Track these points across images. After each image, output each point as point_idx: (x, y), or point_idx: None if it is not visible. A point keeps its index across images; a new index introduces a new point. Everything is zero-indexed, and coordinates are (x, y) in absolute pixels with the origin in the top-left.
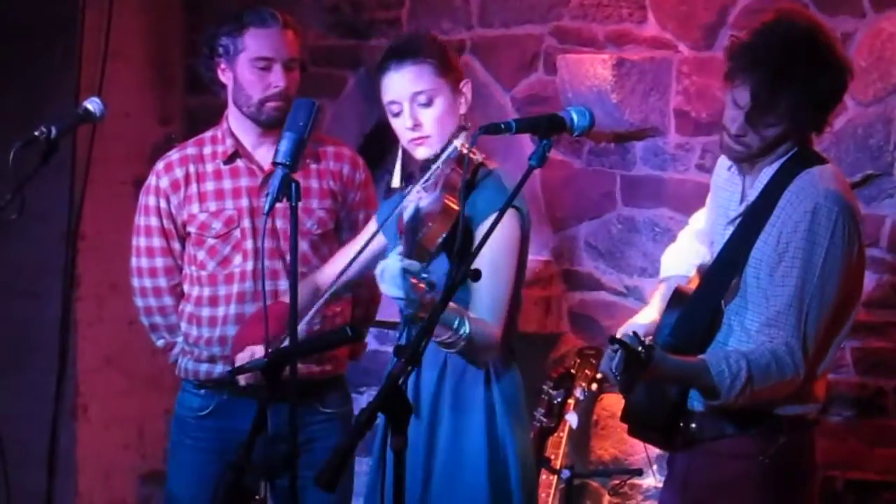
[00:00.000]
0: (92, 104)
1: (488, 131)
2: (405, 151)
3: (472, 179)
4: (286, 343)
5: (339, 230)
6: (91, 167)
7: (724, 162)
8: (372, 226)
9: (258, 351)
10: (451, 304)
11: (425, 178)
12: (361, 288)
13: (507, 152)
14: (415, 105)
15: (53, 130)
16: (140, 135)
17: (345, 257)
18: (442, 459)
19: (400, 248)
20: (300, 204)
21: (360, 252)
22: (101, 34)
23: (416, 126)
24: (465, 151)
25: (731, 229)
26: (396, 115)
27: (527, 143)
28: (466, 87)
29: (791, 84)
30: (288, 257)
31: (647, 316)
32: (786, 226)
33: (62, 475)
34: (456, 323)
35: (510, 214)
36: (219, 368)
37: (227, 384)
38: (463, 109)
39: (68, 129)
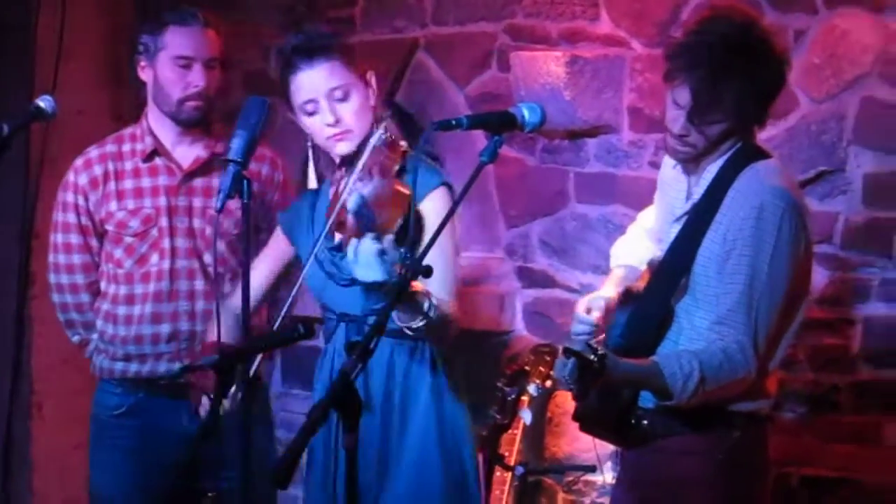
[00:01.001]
0: (44, 102)
1: (440, 128)
2: (315, 151)
3: (403, 164)
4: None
5: (258, 231)
6: (45, 165)
7: (669, 160)
8: (278, 234)
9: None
10: (418, 286)
11: (357, 168)
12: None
13: (460, 149)
14: (332, 101)
15: (5, 128)
16: (94, 132)
17: (257, 272)
18: (395, 448)
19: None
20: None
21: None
22: (54, 33)
23: (338, 121)
24: (392, 137)
25: (677, 227)
26: (311, 113)
27: (480, 141)
28: (372, 79)
29: (732, 80)
30: (205, 257)
31: (608, 291)
32: (732, 223)
33: (17, 474)
34: (426, 305)
35: (445, 193)
36: (133, 367)
37: (143, 382)
38: (373, 100)
39: (20, 126)
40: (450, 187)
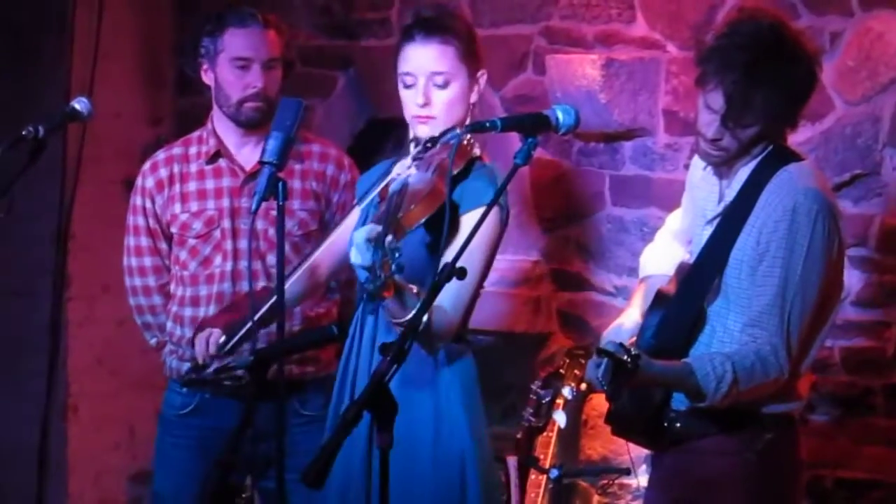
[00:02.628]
0: (80, 104)
1: (474, 129)
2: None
3: (466, 169)
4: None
5: (325, 231)
6: (81, 168)
7: (699, 161)
8: (355, 209)
9: (215, 333)
10: (412, 288)
11: (420, 153)
12: (349, 289)
13: (496, 152)
14: (430, 83)
15: (41, 130)
16: (130, 135)
17: (333, 241)
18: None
19: (375, 217)
20: (252, 207)
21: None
22: (91, 34)
23: (426, 105)
24: (465, 141)
25: (709, 229)
26: (409, 86)
27: (516, 143)
28: (483, 78)
29: (763, 82)
30: (268, 258)
31: (631, 318)
32: (765, 225)
33: (53, 476)
34: (412, 307)
35: (494, 211)
36: None
37: (208, 383)
38: (474, 98)
39: (56, 128)
40: (501, 208)
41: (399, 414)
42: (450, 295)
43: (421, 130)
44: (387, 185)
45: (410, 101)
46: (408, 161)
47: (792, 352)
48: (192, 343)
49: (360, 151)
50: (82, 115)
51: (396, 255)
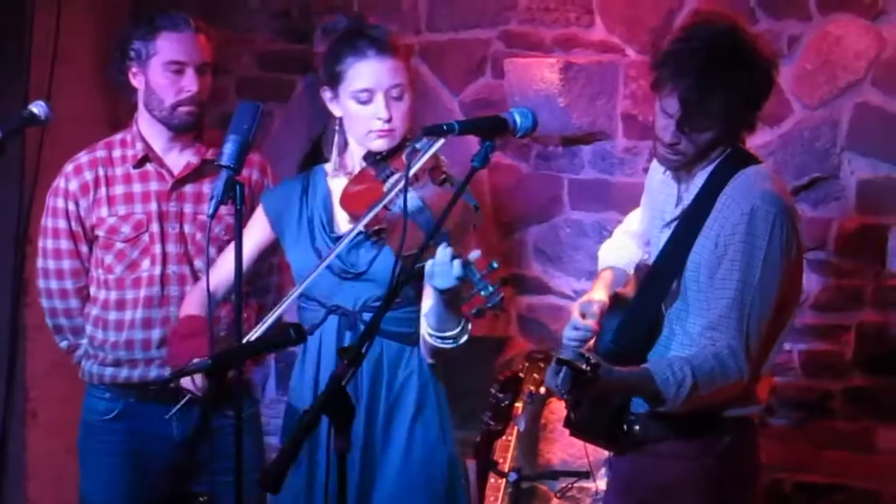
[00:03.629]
0: (37, 107)
1: (431, 133)
2: (340, 133)
3: (447, 176)
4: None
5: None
6: (40, 172)
7: (658, 164)
8: (259, 217)
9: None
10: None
11: (412, 168)
12: (268, 293)
13: (454, 157)
14: (389, 97)
15: None
16: (89, 139)
17: (229, 258)
18: (379, 451)
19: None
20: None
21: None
22: (49, 38)
23: (389, 119)
24: (440, 156)
25: (667, 232)
26: (364, 102)
27: (475, 147)
28: (416, 84)
29: (719, 86)
30: (196, 262)
31: (600, 295)
32: (723, 228)
33: (12, 480)
34: (465, 322)
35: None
36: (124, 372)
37: (133, 387)
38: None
39: (13, 132)
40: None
41: (392, 426)
42: None
43: (379, 144)
44: (385, 206)
45: (366, 117)
46: (396, 178)
47: (751, 355)
48: (172, 384)
49: (319, 156)
50: (40, 119)
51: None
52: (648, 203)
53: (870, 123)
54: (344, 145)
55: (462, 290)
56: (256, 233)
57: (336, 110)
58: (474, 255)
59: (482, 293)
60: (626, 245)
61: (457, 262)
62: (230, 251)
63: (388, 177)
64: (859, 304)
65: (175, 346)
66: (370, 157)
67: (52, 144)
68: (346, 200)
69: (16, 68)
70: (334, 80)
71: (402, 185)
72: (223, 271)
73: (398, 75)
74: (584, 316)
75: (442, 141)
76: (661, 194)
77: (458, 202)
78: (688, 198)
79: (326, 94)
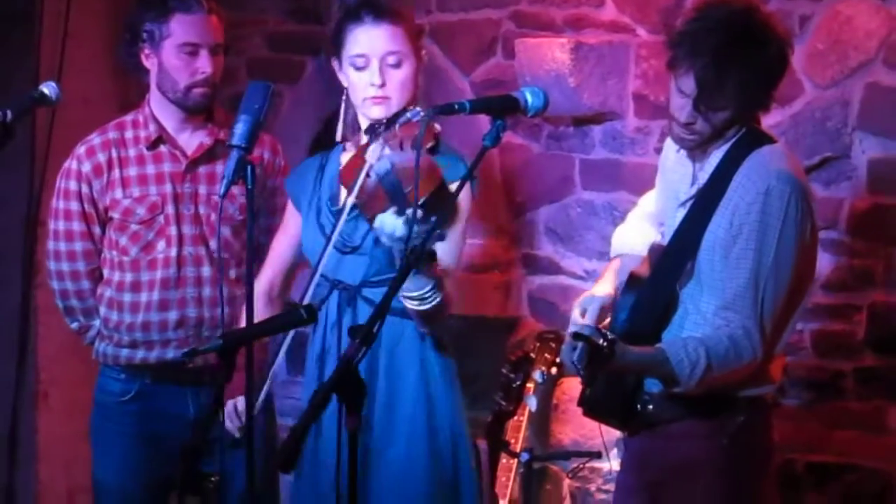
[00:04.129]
0: (47, 88)
1: (442, 112)
2: (347, 106)
3: (434, 147)
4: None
5: (257, 215)
6: (50, 154)
7: (672, 143)
8: (289, 206)
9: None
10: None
11: (388, 135)
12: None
13: (464, 136)
14: (384, 64)
15: (8, 114)
16: (100, 121)
17: (278, 248)
18: (381, 431)
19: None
20: (221, 190)
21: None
22: (60, 19)
23: (383, 85)
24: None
25: (682, 212)
26: (360, 68)
27: (485, 127)
28: (425, 58)
29: (735, 65)
30: (211, 244)
31: (603, 289)
32: (738, 208)
33: (23, 463)
34: (435, 281)
35: (468, 184)
36: (140, 353)
37: (148, 368)
38: (420, 80)
39: (23, 112)
40: (474, 178)
41: (395, 406)
42: (448, 250)
43: (375, 111)
44: (367, 173)
45: (362, 83)
46: (377, 145)
47: (765, 335)
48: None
49: (329, 137)
50: (50, 100)
51: (427, 226)
52: (663, 183)
53: (881, 103)
54: (354, 119)
55: (415, 249)
56: (291, 221)
57: (343, 80)
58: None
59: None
60: (641, 228)
61: (399, 222)
62: (274, 242)
63: (367, 146)
64: (871, 283)
65: None
66: (370, 128)
67: (62, 126)
68: (343, 174)
69: (26, 49)
70: (338, 48)
71: (374, 153)
72: (275, 264)
73: (395, 42)
74: (584, 313)
75: (417, 109)
76: (676, 174)
77: (424, 161)
78: (703, 177)
79: (335, 65)
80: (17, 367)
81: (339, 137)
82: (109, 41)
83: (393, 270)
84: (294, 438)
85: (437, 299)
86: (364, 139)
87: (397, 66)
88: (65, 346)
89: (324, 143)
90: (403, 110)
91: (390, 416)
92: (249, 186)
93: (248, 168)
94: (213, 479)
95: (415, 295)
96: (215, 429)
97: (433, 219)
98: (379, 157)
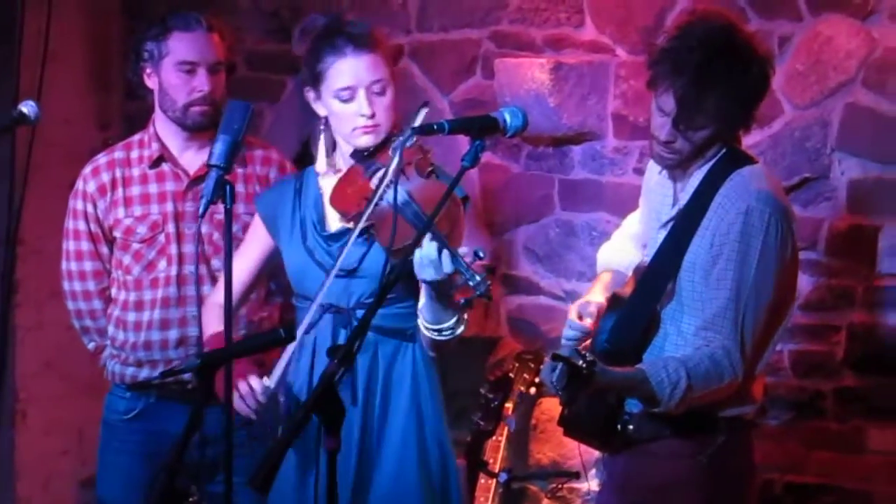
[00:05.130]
0: (27, 107)
1: (422, 132)
2: (327, 135)
3: (433, 168)
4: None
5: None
6: (30, 172)
7: (654, 165)
8: (257, 225)
9: (255, 380)
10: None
11: (394, 163)
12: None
13: (444, 156)
14: (370, 93)
15: None
16: (79, 140)
17: (238, 267)
18: (374, 447)
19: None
20: (200, 210)
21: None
22: (40, 39)
23: (373, 115)
24: (419, 141)
25: (663, 233)
26: (346, 101)
27: (464, 146)
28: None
29: (715, 84)
30: (213, 262)
31: (597, 297)
32: (719, 228)
33: (1, 481)
34: (462, 314)
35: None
36: (144, 372)
37: (153, 387)
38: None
39: (2, 131)
40: (468, 200)
41: (388, 421)
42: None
43: (364, 140)
44: (374, 202)
45: (350, 115)
46: (383, 173)
47: (746, 355)
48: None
49: (309, 157)
50: (29, 119)
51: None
52: (645, 205)
53: (860, 124)
54: (332, 144)
55: (452, 282)
56: (256, 243)
57: (321, 110)
58: (463, 250)
59: (470, 283)
60: (624, 247)
61: (445, 255)
62: (236, 255)
63: (374, 172)
64: (850, 304)
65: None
66: (357, 154)
67: (42, 145)
68: (335, 198)
69: (6, 69)
70: (316, 81)
71: (387, 180)
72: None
73: (378, 71)
74: (581, 317)
75: (409, 134)
76: (658, 195)
77: (441, 189)
78: (683, 198)
79: (310, 95)
80: None
81: (320, 168)
82: (89, 61)
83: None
84: (270, 459)
85: (461, 329)
86: (341, 163)
87: (382, 93)
88: (43, 366)
89: (305, 162)
90: (389, 136)
91: (383, 434)
92: (228, 206)
93: (227, 187)
94: (192, 499)
95: (443, 327)
96: (194, 450)
97: (477, 250)
98: (386, 183)
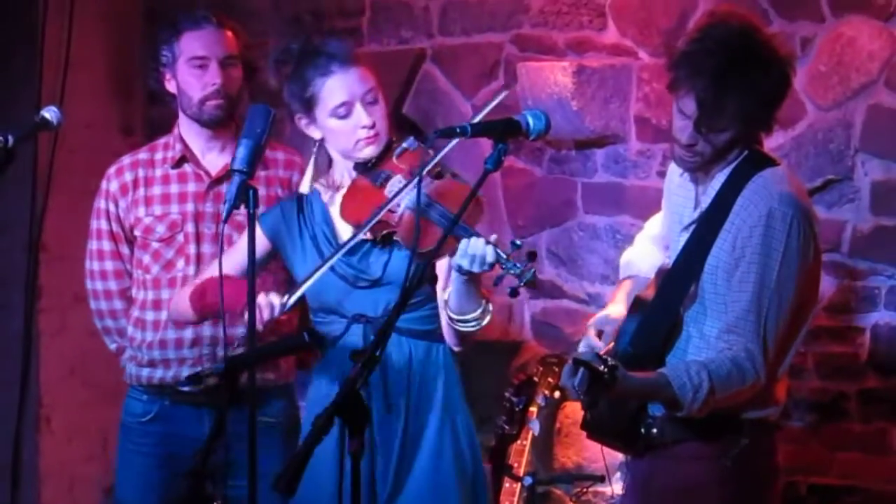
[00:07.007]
0: (49, 112)
1: (444, 135)
2: (319, 155)
3: (441, 169)
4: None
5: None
6: (53, 178)
7: (676, 167)
8: (258, 234)
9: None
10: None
11: (426, 167)
12: None
13: (467, 160)
14: (366, 104)
15: (10, 139)
16: (102, 145)
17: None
18: (410, 449)
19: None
20: (223, 215)
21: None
22: (61, 45)
23: (374, 124)
24: (421, 144)
25: (686, 235)
26: (344, 116)
27: (487, 149)
28: None
29: (735, 86)
30: None
31: (618, 310)
32: (741, 231)
33: (26, 487)
34: (486, 302)
35: None
36: (158, 373)
37: (167, 389)
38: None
39: (24, 137)
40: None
41: (422, 423)
42: None
43: (368, 151)
44: (390, 210)
45: (350, 129)
46: (395, 180)
47: (768, 357)
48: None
49: None
50: (52, 125)
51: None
52: (668, 207)
53: (883, 125)
54: (327, 163)
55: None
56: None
57: (315, 133)
58: (494, 237)
59: (512, 272)
60: (648, 251)
61: (489, 247)
62: (231, 250)
63: (385, 180)
64: (873, 305)
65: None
66: (360, 166)
67: (64, 150)
68: (347, 212)
69: (28, 75)
70: (309, 105)
71: (405, 185)
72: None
73: (368, 80)
74: (600, 333)
75: (411, 139)
76: (680, 197)
77: (460, 189)
78: (705, 201)
79: (302, 122)
80: (19, 391)
81: (304, 189)
82: (111, 67)
83: (415, 296)
84: (295, 462)
85: (487, 318)
86: (346, 179)
87: (375, 101)
88: (68, 371)
89: None
90: (390, 143)
91: (419, 436)
92: (251, 211)
93: (251, 192)
94: (215, 503)
95: (470, 317)
96: (221, 452)
97: (513, 241)
98: (399, 189)
